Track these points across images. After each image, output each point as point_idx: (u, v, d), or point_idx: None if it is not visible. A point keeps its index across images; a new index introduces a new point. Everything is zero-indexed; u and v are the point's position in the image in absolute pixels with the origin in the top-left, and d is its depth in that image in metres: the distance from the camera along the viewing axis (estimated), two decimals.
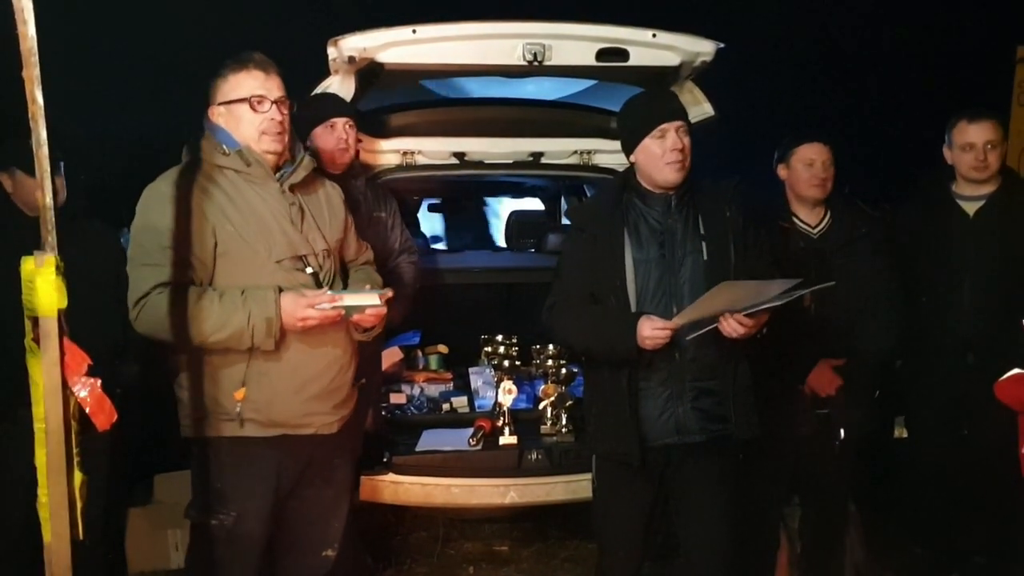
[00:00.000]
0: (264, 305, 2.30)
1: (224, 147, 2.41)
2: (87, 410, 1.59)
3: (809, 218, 3.19)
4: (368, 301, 2.39)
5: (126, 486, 3.73)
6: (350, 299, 2.37)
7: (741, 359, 2.63)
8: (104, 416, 1.59)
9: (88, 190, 3.31)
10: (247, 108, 2.39)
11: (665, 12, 3.79)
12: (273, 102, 2.40)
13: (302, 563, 2.70)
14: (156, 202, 2.34)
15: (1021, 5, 8.49)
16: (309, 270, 2.46)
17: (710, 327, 2.46)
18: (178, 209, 2.32)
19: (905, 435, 3.75)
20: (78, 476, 1.58)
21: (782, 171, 3.22)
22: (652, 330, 2.45)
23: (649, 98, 2.76)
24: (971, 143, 3.22)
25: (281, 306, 2.31)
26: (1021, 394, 2.93)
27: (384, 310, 2.45)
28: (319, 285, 2.47)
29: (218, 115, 2.45)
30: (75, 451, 1.58)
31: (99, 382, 1.63)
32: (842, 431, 3.16)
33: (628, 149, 2.67)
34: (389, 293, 2.44)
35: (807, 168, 3.13)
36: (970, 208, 3.28)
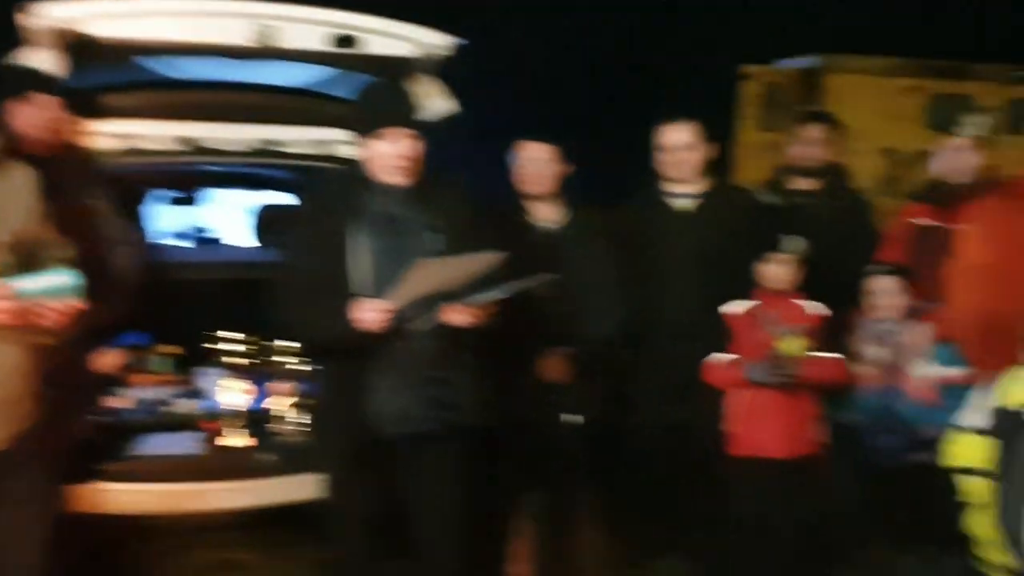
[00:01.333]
0: None
1: None
2: None
3: (539, 212, 3.28)
4: (55, 284, 2.10)
5: None
6: (24, 284, 2.08)
7: (470, 348, 2.64)
8: None
9: None
10: None
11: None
12: None
13: None
14: None
15: (744, 26, 9.32)
16: None
17: (436, 318, 2.47)
18: None
19: (632, 421, 3.94)
20: None
21: (513, 169, 3.31)
22: (369, 313, 2.41)
23: (382, 97, 2.72)
24: (666, 145, 3.45)
25: None
26: (725, 374, 3.19)
27: (78, 305, 2.16)
28: None
29: None
30: None
31: None
32: (573, 417, 3.28)
33: (359, 141, 2.63)
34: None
35: (533, 165, 3.22)
36: (679, 205, 3.51)
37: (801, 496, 3.18)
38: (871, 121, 7.53)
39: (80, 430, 3.17)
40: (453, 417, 2.61)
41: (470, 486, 2.73)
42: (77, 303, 2.14)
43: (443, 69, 3.68)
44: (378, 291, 2.50)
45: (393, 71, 3.46)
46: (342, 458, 2.66)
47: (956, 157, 3.54)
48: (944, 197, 3.55)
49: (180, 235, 6.23)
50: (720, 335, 3.25)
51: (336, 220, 2.56)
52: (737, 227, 3.44)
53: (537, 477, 3.44)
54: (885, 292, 3.21)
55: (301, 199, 5.14)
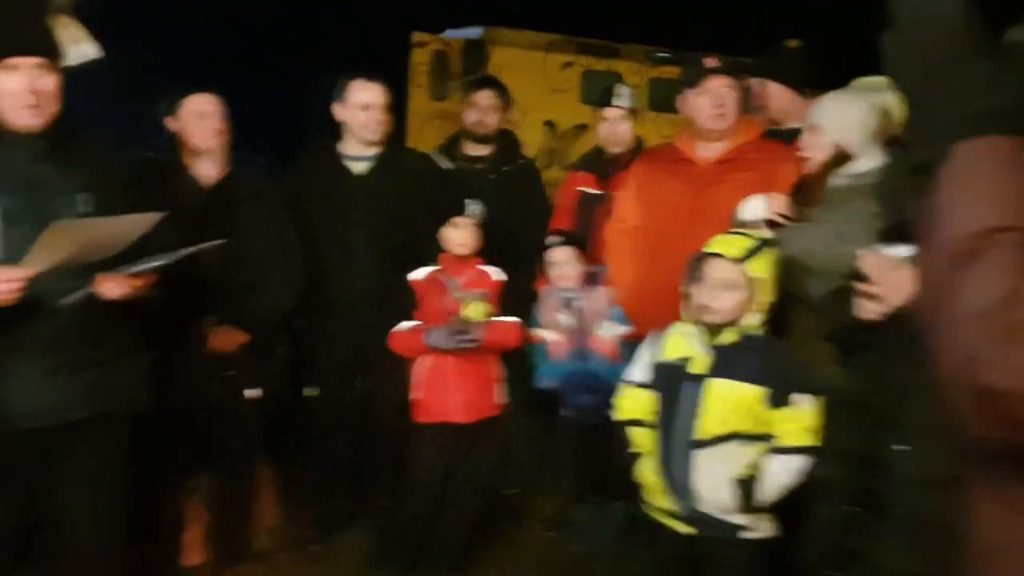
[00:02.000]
0: None
1: None
2: None
3: (205, 171, 3.02)
4: None
5: None
6: None
7: (127, 325, 2.36)
8: None
9: None
10: None
11: None
12: None
13: None
14: None
15: None
16: None
17: (87, 291, 2.15)
18: None
19: (315, 393, 3.80)
20: None
21: (172, 123, 3.01)
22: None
23: (5, 17, 2.25)
24: (368, 103, 3.35)
25: None
26: (411, 343, 3.16)
27: None
28: None
29: None
30: None
31: None
32: (248, 391, 3.08)
33: None
34: None
35: (200, 119, 2.96)
36: (357, 168, 3.41)
37: (480, 456, 3.25)
38: (532, 94, 7.91)
39: None
40: (106, 404, 2.31)
41: (128, 479, 2.44)
42: None
43: (81, 8, 3.22)
44: (10, 258, 2.12)
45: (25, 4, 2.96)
46: None
47: (612, 127, 3.77)
48: (603, 166, 3.78)
49: None
50: (404, 301, 3.21)
51: None
52: (415, 191, 3.42)
53: (205, 458, 3.19)
54: (563, 262, 3.35)
55: None
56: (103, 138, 2.39)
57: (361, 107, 3.35)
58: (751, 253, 2.40)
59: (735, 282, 2.39)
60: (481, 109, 3.86)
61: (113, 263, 2.17)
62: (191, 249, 2.26)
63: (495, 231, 3.38)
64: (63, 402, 2.24)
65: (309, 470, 3.64)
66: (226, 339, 2.97)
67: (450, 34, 8.67)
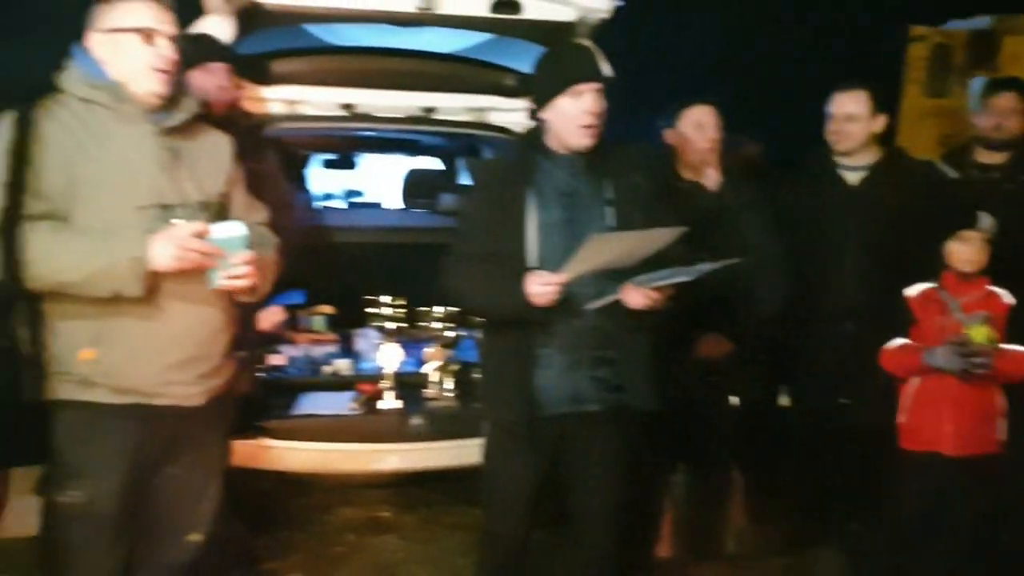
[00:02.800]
0: (131, 243, 2.08)
1: (93, 79, 2.16)
2: None
3: (704, 182, 3.15)
4: (234, 231, 2.16)
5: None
6: (217, 230, 2.14)
7: (642, 329, 2.55)
8: None
9: None
10: (137, 40, 2.15)
11: None
12: (166, 38, 2.17)
13: (163, 547, 2.49)
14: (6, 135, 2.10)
15: None
16: (175, 222, 2.20)
17: (613, 297, 2.37)
18: (26, 138, 2.08)
19: (788, 403, 3.79)
20: None
21: (670, 135, 3.17)
22: (539, 285, 2.34)
23: (572, 54, 2.60)
24: (833, 112, 3.25)
25: (151, 243, 2.08)
26: (905, 361, 2.98)
27: (271, 262, 2.28)
28: None
29: (97, 43, 2.18)
30: None
31: None
32: (731, 398, 3.16)
33: (540, 103, 2.50)
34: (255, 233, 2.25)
35: (697, 130, 3.08)
36: (852, 178, 3.30)
37: (975, 497, 2.96)
38: None
39: (246, 386, 3.31)
40: (619, 399, 2.53)
41: (629, 468, 2.66)
42: (272, 263, 2.28)
43: (599, 33, 3.57)
44: (550, 265, 2.42)
45: (555, 35, 3.39)
46: (502, 431, 2.63)
47: None
48: None
49: (336, 197, 6.43)
50: (896, 318, 3.04)
51: (510, 189, 2.49)
52: (913, 202, 3.21)
53: (688, 457, 3.36)
54: None
55: (471, 165, 5.20)
56: (631, 152, 2.59)
57: (844, 119, 3.25)
58: None
59: None
60: (1000, 112, 3.49)
61: (635, 271, 2.35)
62: (711, 266, 2.34)
63: (1007, 248, 3.05)
64: (581, 395, 2.51)
65: (781, 480, 3.64)
66: (714, 346, 3.08)
67: (952, 25, 7.96)
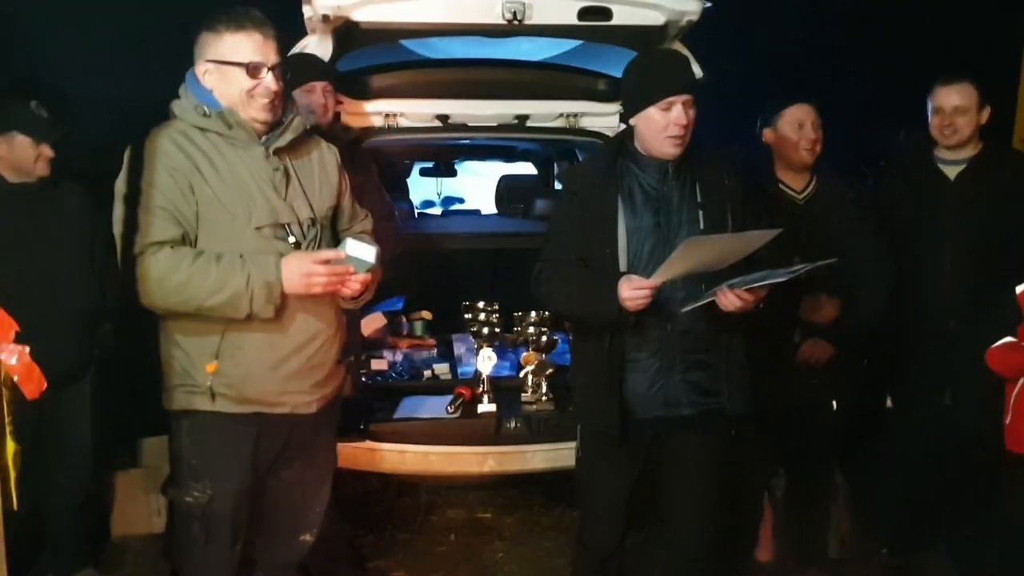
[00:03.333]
0: (265, 269, 2.22)
1: (204, 107, 2.29)
2: (16, 379, 1.53)
3: (795, 183, 3.11)
4: (367, 255, 2.29)
5: (111, 450, 3.71)
6: (352, 248, 2.28)
7: (735, 332, 2.54)
8: (33, 384, 1.54)
9: (64, 151, 3.21)
10: (242, 73, 2.26)
11: None
12: (270, 68, 2.27)
13: (277, 546, 2.65)
14: (139, 162, 2.26)
15: None
16: (291, 239, 2.35)
17: (707, 300, 2.35)
18: (160, 168, 2.24)
19: (892, 406, 3.69)
20: (10, 446, 1.53)
21: (768, 135, 3.13)
22: (631, 290, 2.34)
23: (661, 64, 2.58)
24: (939, 106, 3.16)
25: (283, 269, 2.23)
26: (1012, 361, 2.87)
27: (377, 272, 2.38)
28: None
29: (205, 72, 2.31)
30: (7, 420, 1.52)
31: (27, 349, 1.56)
32: (834, 402, 3.11)
33: (629, 112, 2.52)
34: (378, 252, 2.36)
35: (797, 130, 3.04)
36: (951, 172, 3.21)
37: None
38: None
39: (350, 391, 3.45)
40: (713, 403, 2.53)
41: (724, 468, 2.65)
42: (378, 273, 2.37)
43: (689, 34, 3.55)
44: (640, 269, 2.44)
45: (644, 40, 3.40)
46: (596, 436, 2.64)
47: None
48: None
49: (435, 204, 6.57)
50: (1004, 317, 2.92)
51: (600, 194, 2.51)
52: (1017, 197, 3.10)
53: (788, 461, 3.31)
54: None
55: (562, 171, 5.23)
56: (720, 155, 2.57)
57: (935, 111, 3.16)
58: None
59: None
60: None
61: (727, 273, 2.34)
62: (806, 266, 2.31)
63: None
64: (674, 399, 2.52)
65: (885, 484, 3.55)
66: (817, 351, 3.04)
67: None
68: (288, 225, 2.35)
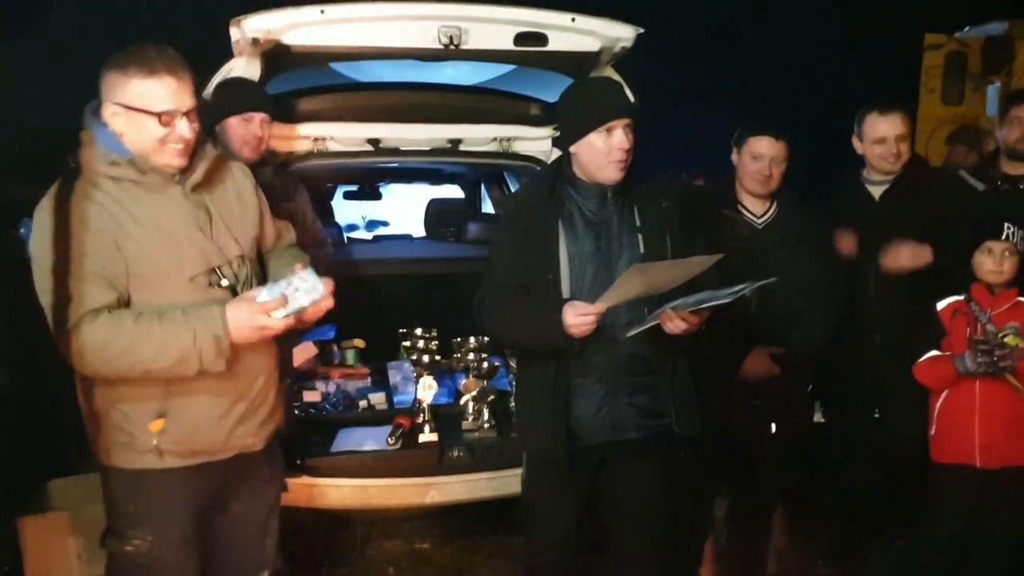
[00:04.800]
0: (210, 322, 2.09)
1: (113, 155, 2.12)
2: None
3: (755, 208, 3.15)
4: (316, 295, 2.15)
5: (15, 495, 3.49)
6: (304, 297, 2.14)
7: (680, 355, 2.55)
8: None
9: None
10: (154, 122, 2.10)
11: None
12: (184, 114, 2.13)
13: None
14: (51, 227, 2.09)
15: None
16: (224, 282, 2.23)
17: (652, 323, 2.35)
18: (82, 231, 2.07)
19: (823, 420, 3.78)
20: None
21: (734, 157, 3.17)
22: (576, 316, 2.33)
23: (599, 90, 2.59)
24: (883, 137, 3.26)
25: (229, 320, 2.10)
26: (937, 374, 2.97)
27: (330, 303, 2.24)
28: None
29: (112, 115, 2.13)
30: None
31: None
32: (774, 424, 3.14)
33: (568, 139, 2.49)
34: (331, 284, 2.22)
35: (752, 161, 3.07)
36: (876, 192, 3.33)
37: (1012, 512, 2.94)
38: None
39: (286, 423, 3.33)
40: (659, 425, 2.54)
41: (671, 493, 2.66)
42: (329, 302, 2.23)
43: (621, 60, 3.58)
44: (582, 295, 2.44)
45: (578, 66, 3.42)
46: (542, 462, 2.62)
47: None
48: None
49: (359, 227, 6.46)
50: (927, 331, 3.03)
51: (541, 221, 2.50)
52: (936, 214, 3.21)
53: (730, 482, 3.34)
54: None
55: (501, 197, 5.20)
56: (656, 180, 2.60)
57: (876, 141, 3.26)
58: None
59: None
60: (1023, 123, 3.49)
61: (670, 297, 2.35)
62: (747, 287, 2.31)
63: None
64: (620, 423, 2.52)
65: (820, 497, 3.62)
66: (760, 367, 3.07)
67: (967, 33, 7.97)
68: (219, 268, 2.24)
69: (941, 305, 3.02)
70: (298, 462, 3.22)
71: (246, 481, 2.45)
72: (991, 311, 2.93)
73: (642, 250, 2.48)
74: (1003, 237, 2.96)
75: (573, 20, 3.26)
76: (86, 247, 2.08)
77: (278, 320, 2.12)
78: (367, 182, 6.18)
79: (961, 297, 2.99)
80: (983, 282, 2.98)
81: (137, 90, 2.10)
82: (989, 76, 7.62)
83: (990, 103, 7.64)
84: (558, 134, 3.81)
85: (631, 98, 2.54)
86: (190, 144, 2.17)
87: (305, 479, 3.21)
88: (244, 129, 3.01)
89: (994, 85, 7.60)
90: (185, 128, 2.13)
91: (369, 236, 6.02)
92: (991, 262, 2.95)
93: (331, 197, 5.98)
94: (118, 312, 2.10)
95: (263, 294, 2.14)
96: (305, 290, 2.15)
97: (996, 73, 7.57)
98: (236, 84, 3.12)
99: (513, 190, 4.90)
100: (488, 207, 5.81)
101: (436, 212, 5.38)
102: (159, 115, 2.10)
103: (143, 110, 2.10)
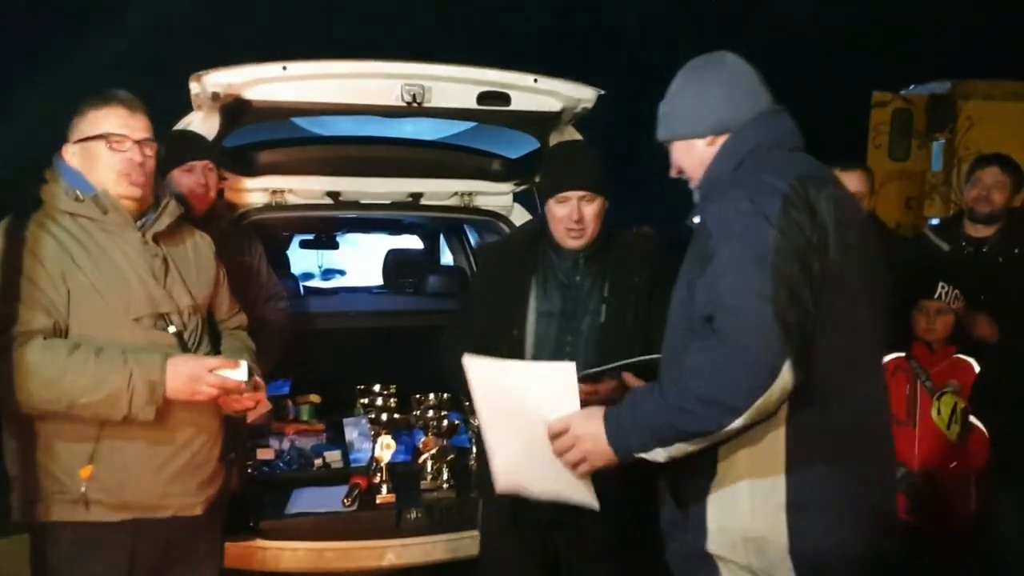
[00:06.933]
0: (149, 366, 2.06)
1: (76, 191, 2.15)
2: None
3: None
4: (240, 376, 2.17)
5: None
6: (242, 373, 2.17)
7: None
8: None
9: None
10: (104, 147, 2.14)
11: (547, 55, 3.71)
12: (135, 142, 2.16)
13: None
14: (6, 251, 2.09)
15: (875, 52, 8.98)
16: (172, 329, 2.23)
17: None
18: (27, 256, 2.08)
19: None
20: None
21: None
22: None
23: (561, 159, 2.67)
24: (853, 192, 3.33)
25: (169, 368, 2.08)
26: None
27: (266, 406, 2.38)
28: (184, 345, 2.25)
29: (71, 155, 2.19)
30: None
31: None
32: None
33: (539, 202, 2.64)
34: (260, 382, 2.29)
35: None
36: None
37: None
38: (1007, 149, 7.15)
39: (239, 482, 3.23)
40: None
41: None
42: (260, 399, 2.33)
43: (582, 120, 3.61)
44: (546, 352, 2.46)
45: (540, 125, 3.44)
46: (497, 513, 2.61)
47: None
48: None
49: (314, 276, 6.38)
50: None
51: (516, 275, 2.55)
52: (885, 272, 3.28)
53: None
54: None
55: (484, 245, 5.16)
56: (637, 245, 2.66)
57: (859, 197, 3.33)
58: None
59: None
60: (985, 186, 3.60)
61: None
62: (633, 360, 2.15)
63: (1007, 321, 3.11)
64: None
65: None
66: None
67: (912, 90, 8.25)
68: (168, 315, 2.23)
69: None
70: (251, 524, 3.13)
71: (182, 552, 2.37)
72: (931, 369, 2.99)
73: (603, 319, 2.51)
74: (935, 296, 3.04)
75: (536, 81, 3.29)
76: (28, 271, 2.07)
77: (214, 379, 2.11)
78: (324, 231, 6.13)
79: (902, 355, 3.05)
80: (923, 340, 3.04)
81: (89, 119, 2.18)
82: (934, 133, 7.89)
83: (935, 159, 7.89)
84: (519, 189, 3.86)
85: (591, 170, 2.54)
86: (145, 172, 2.20)
87: (259, 542, 3.11)
88: (188, 179, 2.99)
89: (939, 142, 7.86)
90: (135, 153, 2.16)
91: (325, 285, 5.94)
92: (924, 320, 3.02)
93: (287, 246, 5.91)
94: (53, 340, 2.07)
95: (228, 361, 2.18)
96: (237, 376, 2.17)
97: (940, 130, 7.83)
98: (176, 136, 3.11)
99: (474, 243, 4.89)
100: (448, 259, 5.79)
101: (395, 263, 5.34)
102: (107, 136, 2.14)
103: (93, 136, 2.16)
